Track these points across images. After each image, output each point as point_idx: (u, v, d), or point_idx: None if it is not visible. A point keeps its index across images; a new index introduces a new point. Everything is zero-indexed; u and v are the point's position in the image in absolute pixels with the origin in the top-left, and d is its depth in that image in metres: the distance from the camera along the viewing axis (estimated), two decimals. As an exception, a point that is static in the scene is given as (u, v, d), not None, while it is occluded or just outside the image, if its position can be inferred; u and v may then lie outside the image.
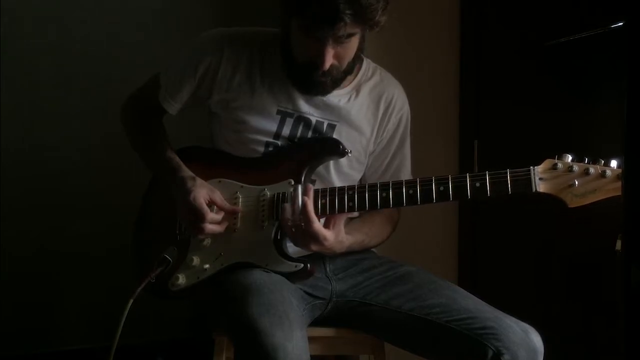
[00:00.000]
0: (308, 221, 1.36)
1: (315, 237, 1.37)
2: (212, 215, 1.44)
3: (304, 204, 1.37)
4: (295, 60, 1.46)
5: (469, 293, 1.45)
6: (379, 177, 1.60)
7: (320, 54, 1.39)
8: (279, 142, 1.52)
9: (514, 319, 1.35)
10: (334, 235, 1.41)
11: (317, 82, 1.46)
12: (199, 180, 1.48)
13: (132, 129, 1.68)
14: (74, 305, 2.47)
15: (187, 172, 1.51)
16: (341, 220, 1.43)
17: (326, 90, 1.50)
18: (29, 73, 2.40)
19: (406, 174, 1.62)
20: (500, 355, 1.28)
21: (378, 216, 1.56)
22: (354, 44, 1.43)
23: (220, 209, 1.47)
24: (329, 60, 1.40)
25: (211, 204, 1.46)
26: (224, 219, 1.47)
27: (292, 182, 1.47)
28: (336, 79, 1.48)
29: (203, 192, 1.45)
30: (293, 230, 1.40)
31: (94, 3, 2.50)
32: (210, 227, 1.45)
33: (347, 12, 1.30)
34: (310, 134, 1.53)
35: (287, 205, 1.41)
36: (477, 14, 2.29)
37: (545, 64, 2.01)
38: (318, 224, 1.37)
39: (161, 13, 2.60)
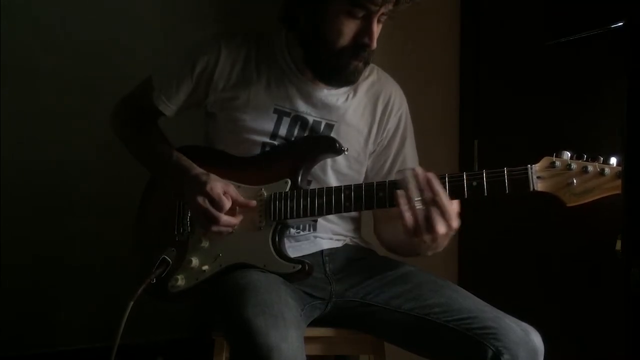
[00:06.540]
0: (438, 194, 1.27)
1: (444, 213, 1.28)
2: (230, 205, 1.43)
3: (429, 179, 1.29)
4: (332, 50, 1.43)
5: (469, 293, 1.45)
6: (381, 178, 1.59)
7: (369, 30, 1.40)
8: (276, 143, 1.51)
9: (514, 319, 1.35)
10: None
11: (352, 69, 1.45)
12: (212, 175, 1.46)
13: (125, 133, 1.67)
14: (75, 305, 2.47)
15: (199, 169, 1.49)
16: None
17: (356, 79, 1.50)
18: (29, 74, 2.40)
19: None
20: (500, 355, 1.28)
21: None
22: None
23: (235, 201, 1.45)
24: (376, 37, 1.41)
25: (226, 196, 1.44)
26: (239, 212, 1.46)
27: (289, 182, 1.46)
28: (366, 66, 1.49)
29: (219, 184, 1.44)
30: (411, 217, 1.29)
31: (95, 3, 2.50)
32: (226, 219, 1.43)
33: None
34: (307, 134, 1.53)
35: (400, 192, 1.30)
36: (477, 14, 2.29)
37: (545, 63, 2.01)
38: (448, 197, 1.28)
39: (162, 13, 2.61)
